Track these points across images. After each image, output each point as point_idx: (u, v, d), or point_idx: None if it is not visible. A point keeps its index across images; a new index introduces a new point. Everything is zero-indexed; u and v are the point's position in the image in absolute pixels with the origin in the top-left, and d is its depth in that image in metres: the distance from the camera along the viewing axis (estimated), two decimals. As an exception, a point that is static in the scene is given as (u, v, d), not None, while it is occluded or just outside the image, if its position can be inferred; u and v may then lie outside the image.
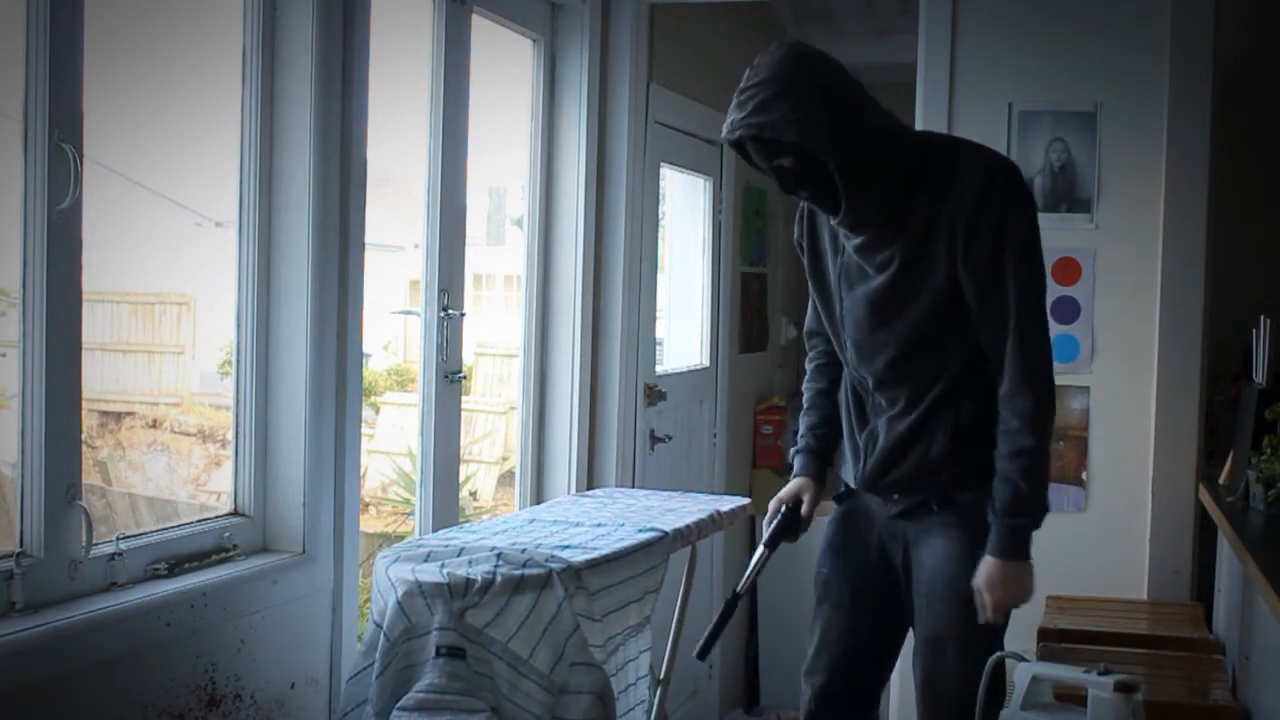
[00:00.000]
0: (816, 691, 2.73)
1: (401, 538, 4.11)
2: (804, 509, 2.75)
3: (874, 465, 2.61)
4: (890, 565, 2.67)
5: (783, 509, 2.74)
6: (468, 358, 4.86)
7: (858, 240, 2.53)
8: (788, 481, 2.84)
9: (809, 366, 2.85)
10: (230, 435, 2.88)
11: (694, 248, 5.15)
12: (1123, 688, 2.35)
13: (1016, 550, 2.47)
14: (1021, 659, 2.53)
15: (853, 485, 2.70)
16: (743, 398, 5.48)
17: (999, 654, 2.52)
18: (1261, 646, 3.10)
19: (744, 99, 2.37)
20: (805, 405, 2.84)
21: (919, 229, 2.46)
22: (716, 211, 5.14)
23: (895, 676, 3.98)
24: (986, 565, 2.47)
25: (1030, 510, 2.48)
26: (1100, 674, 2.39)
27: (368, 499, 5.72)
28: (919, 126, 4.07)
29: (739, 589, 2.76)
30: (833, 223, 2.55)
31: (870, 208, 2.45)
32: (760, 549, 2.75)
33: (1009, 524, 2.47)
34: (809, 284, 2.73)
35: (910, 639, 2.70)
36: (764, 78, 2.36)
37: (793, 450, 2.85)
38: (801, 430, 2.82)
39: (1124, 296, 3.95)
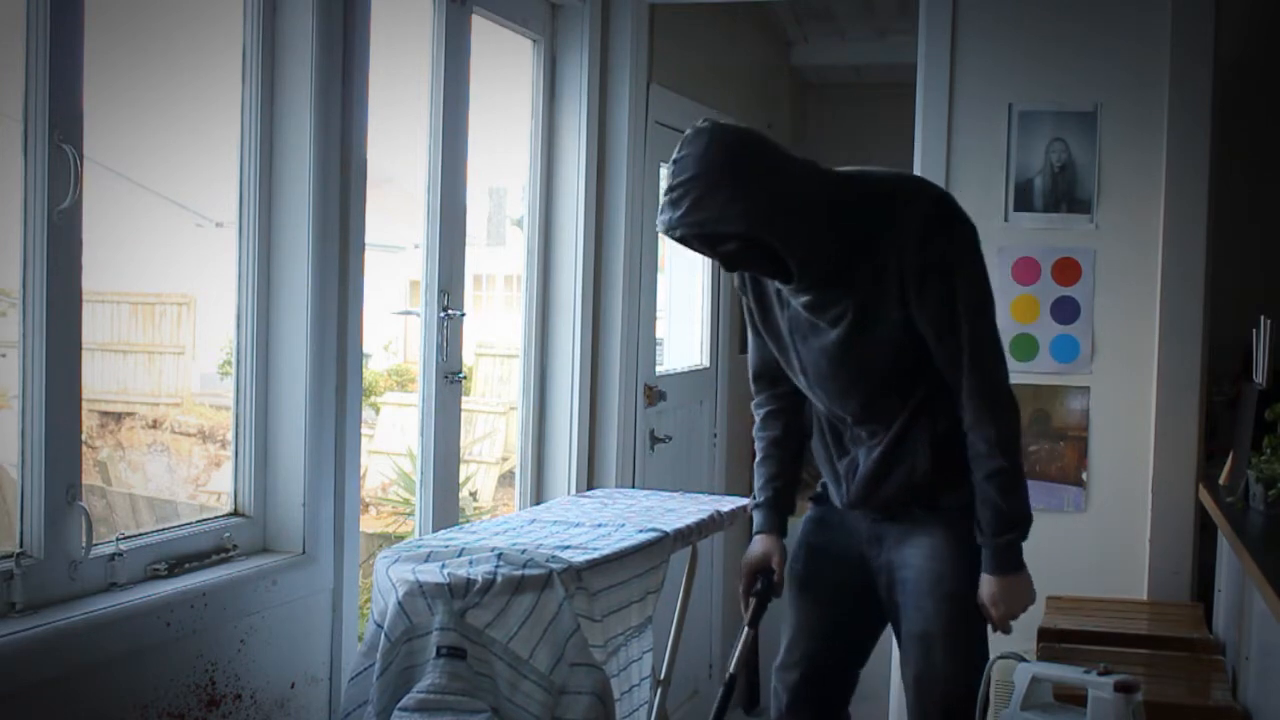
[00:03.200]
0: (791, 687, 2.76)
1: (401, 538, 4.11)
2: (776, 576, 2.78)
3: (858, 490, 2.64)
4: (868, 567, 2.70)
5: (759, 584, 2.78)
6: (468, 358, 4.86)
7: (805, 298, 2.54)
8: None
9: (759, 414, 2.84)
10: (230, 435, 2.88)
11: (694, 248, 5.15)
12: (1123, 688, 2.35)
13: (1010, 564, 2.54)
14: (1021, 659, 2.53)
15: (836, 504, 2.73)
16: (743, 398, 5.45)
17: (1002, 655, 2.53)
18: (1261, 646, 3.10)
19: (675, 197, 2.35)
20: (760, 455, 2.83)
21: (865, 281, 2.48)
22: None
23: (895, 677, 3.99)
24: (987, 583, 2.55)
25: (1015, 525, 2.54)
26: (1100, 674, 2.39)
27: (368, 499, 5.72)
28: (919, 126, 4.08)
29: (732, 670, 2.84)
30: (781, 286, 2.57)
31: (817, 270, 2.47)
32: (745, 630, 2.82)
33: (997, 543, 2.53)
34: (754, 330, 2.74)
35: (884, 642, 2.74)
36: (694, 173, 2.33)
37: (751, 504, 2.85)
38: (760, 483, 2.82)
39: (1124, 296, 3.95)
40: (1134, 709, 2.36)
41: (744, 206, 2.33)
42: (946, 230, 2.48)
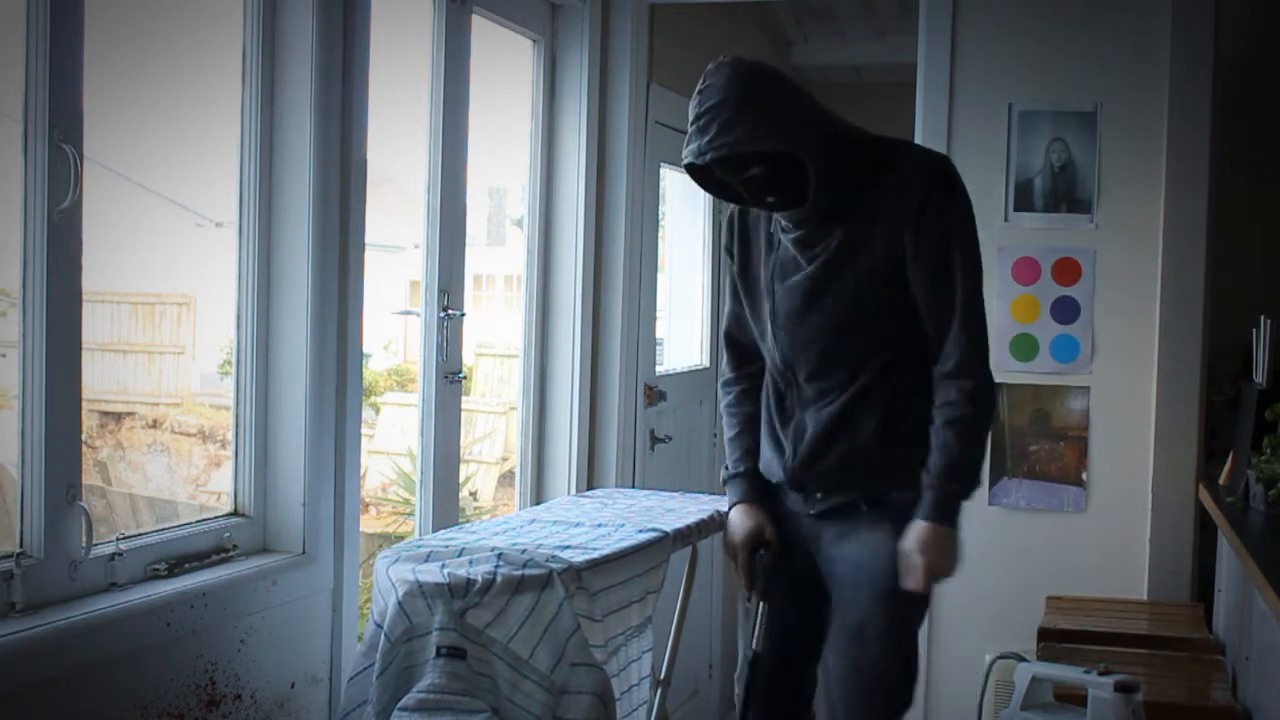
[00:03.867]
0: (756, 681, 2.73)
1: (401, 538, 4.11)
2: (775, 546, 2.73)
3: (802, 456, 2.62)
4: (813, 563, 2.69)
5: (760, 554, 2.72)
6: (468, 358, 4.86)
7: (798, 233, 2.57)
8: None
9: (731, 391, 2.83)
10: (230, 435, 2.88)
11: (694, 248, 5.16)
12: (1123, 688, 2.35)
13: (947, 516, 2.50)
14: (1021, 659, 2.53)
15: (774, 480, 2.71)
16: (743, 398, 5.47)
17: (1001, 654, 2.53)
18: (1261, 646, 3.10)
19: (704, 123, 2.41)
20: (735, 430, 2.80)
21: (859, 220, 2.52)
22: (717, 211, 5.14)
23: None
24: (918, 529, 2.49)
25: (963, 478, 2.53)
26: (1100, 674, 2.40)
27: (368, 499, 5.72)
28: (919, 126, 4.08)
29: (756, 648, 2.75)
30: (781, 219, 2.59)
31: (828, 196, 2.50)
32: (760, 606, 2.74)
33: (944, 488, 2.50)
34: (733, 288, 2.76)
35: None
36: (720, 98, 2.40)
37: (727, 473, 2.81)
38: (736, 455, 2.79)
39: (1124, 296, 3.95)
40: (1134, 709, 2.36)
41: (773, 124, 2.41)
42: (952, 188, 2.53)
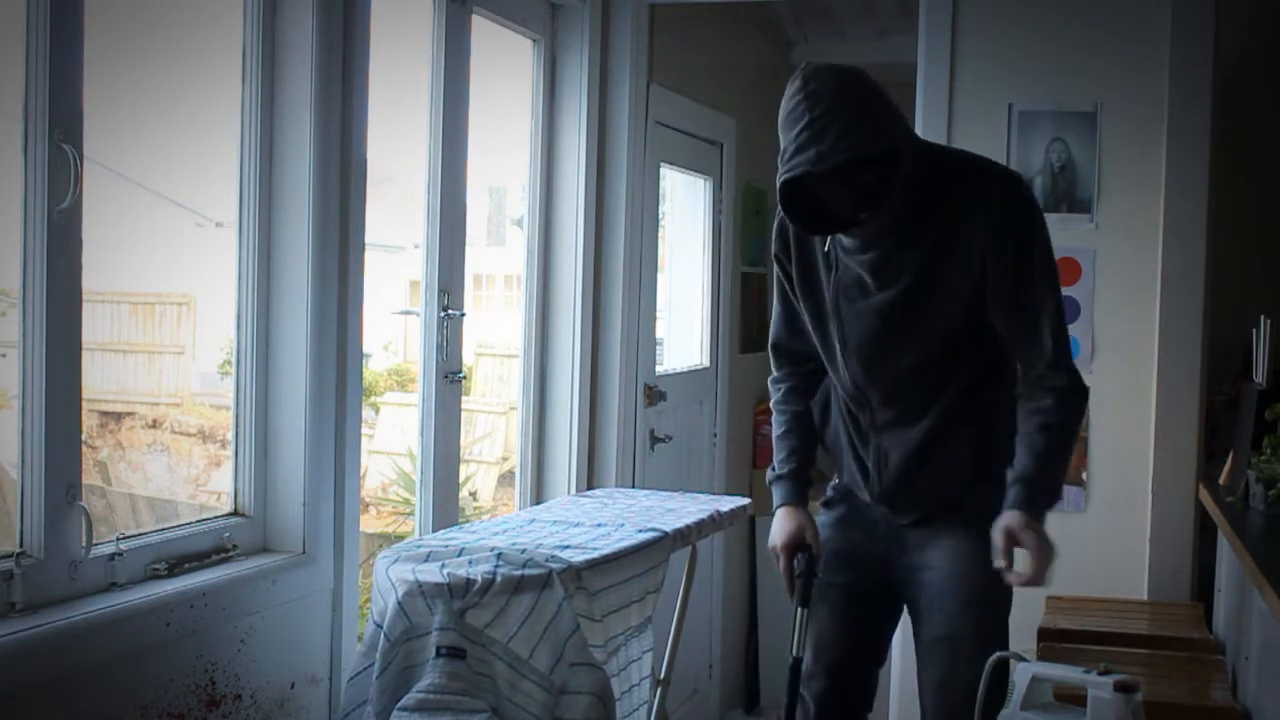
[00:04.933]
0: (817, 696, 2.72)
1: (401, 538, 4.11)
2: (815, 549, 2.68)
3: (888, 482, 2.60)
4: (889, 567, 2.66)
5: (799, 561, 2.67)
6: (468, 358, 4.86)
7: (867, 255, 2.49)
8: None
9: (781, 387, 2.78)
10: (230, 435, 2.88)
11: (694, 248, 5.15)
12: (1123, 688, 2.35)
13: (1038, 512, 2.44)
14: (1022, 659, 2.52)
15: (866, 499, 2.67)
16: (743, 398, 5.48)
17: (999, 654, 2.52)
18: (1261, 646, 3.10)
19: (820, 129, 2.30)
20: (783, 428, 2.76)
21: (933, 242, 2.45)
22: (716, 211, 5.14)
23: (895, 679, 3.99)
24: (1016, 518, 2.41)
25: (1054, 480, 2.48)
26: (1100, 674, 2.39)
27: (368, 499, 5.72)
28: (919, 127, 4.08)
29: (795, 653, 2.70)
30: (845, 240, 2.51)
31: (910, 213, 2.44)
32: (799, 611, 2.68)
33: (1037, 486, 2.44)
34: (790, 298, 2.68)
35: (900, 646, 2.70)
36: (832, 103, 2.31)
37: (772, 474, 2.77)
38: (783, 455, 2.75)
39: (1124, 296, 3.95)
40: (1134, 709, 2.35)
41: (891, 124, 2.36)
42: (1028, 206, 2.50)
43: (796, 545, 2.67)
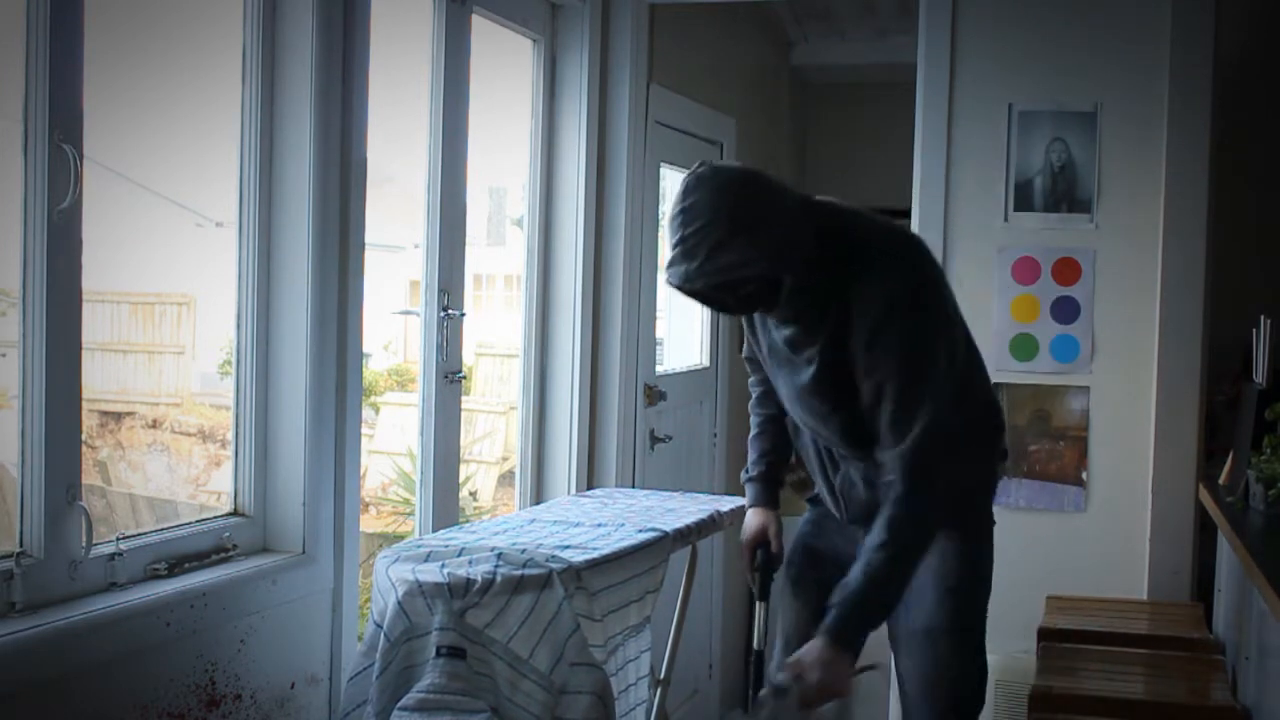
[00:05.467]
0: None
1: (401, 538, 4.11)
2: (774, 546, 2.83)
3: (856, 511, 2.65)
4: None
5: (758, 556, 2.84)
6: (468, 358, 4.86)
7: (786, 332, 2.52)
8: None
9: (755, 391, 2.90)
10: (230, 435, 2.88)
11: (694, 248, 5.14)
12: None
13: (844, 638, 2.35)
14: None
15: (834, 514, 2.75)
16: (743, 398, 5.44)
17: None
18: (1261, 646, 3.10)
19: (690, 246, 2.29)
20: (755, 430, 2.89)
21: (836, 325, 2.42)
22: (716, 211, 5.13)
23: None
24: (814, 651, 2.33)
25: (867, 608, 2.37)
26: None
27: (368, 499, 5.71)
28: (919, 126, 4.08)
29: (757, 646, 2.83)
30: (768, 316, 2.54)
31: (803, 307, 2.44)
32: (758, 605, 2.86)
33: (846, 610, 2.35)
34: (748, 324, 2.72)
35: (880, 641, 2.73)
36: (707, 220, 2.28)
37: (745, 475, 2.90)
38: (753, 457, 2.88)
39: (1124, 296, 3.95)
40: None
41: (763, 247, 2.30)
42: (910, 307, 2.38)
43: (758, 543, 2.84)
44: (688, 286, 2.34)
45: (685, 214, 2.30)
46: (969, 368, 2.59)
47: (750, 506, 2.88)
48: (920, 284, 2.43)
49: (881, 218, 2.55)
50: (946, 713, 2.63)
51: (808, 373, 2.50)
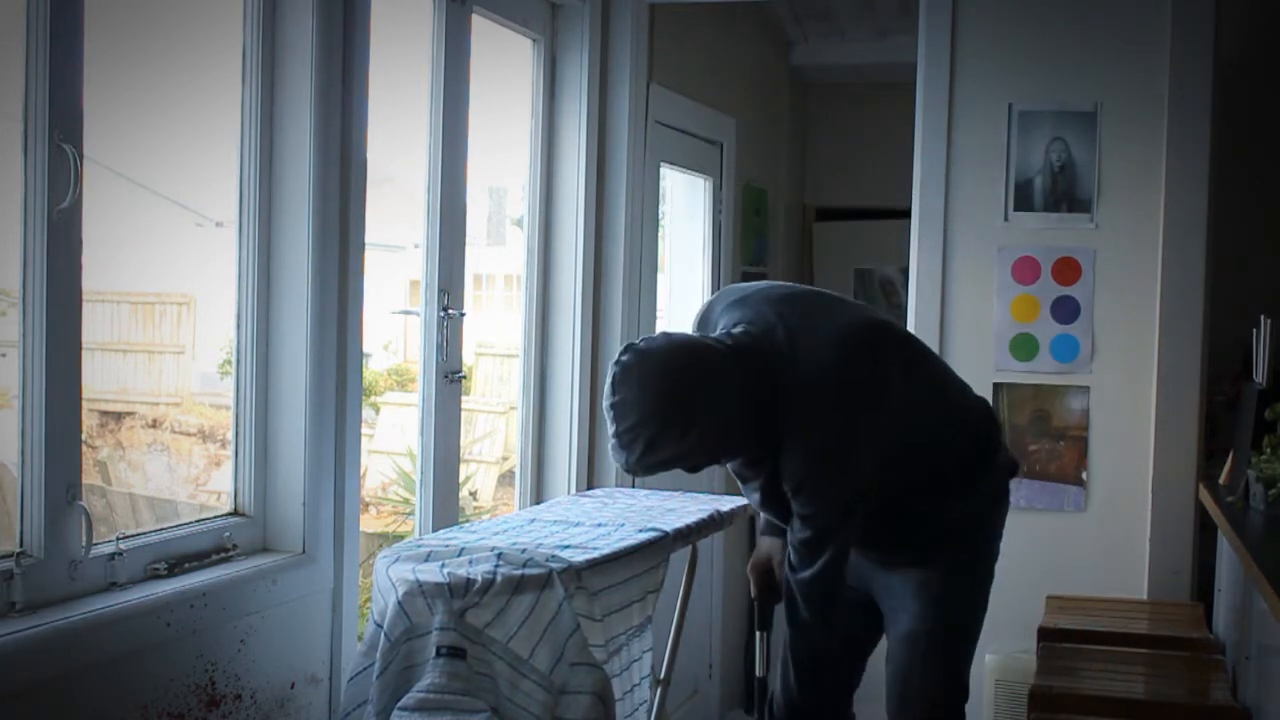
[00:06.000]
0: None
1: (401, 538, 4.11)
2: (777, 575, 2.84)
3: (861, 551, 2.70)
4: (870, 581, 2.76)
5: (756, 582, 2.91)
6: (468, 358, 4.86)
7: (733, 465, 2.65)
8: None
9: None
10: (230, 435, 2.88)
11: (694, 248, 5.15)
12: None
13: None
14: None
15: None
16: (743, 398, 5.47)
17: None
18: (1261, 646, 3.10)
19: (627, 441, 2.37)
20: None
21: (772, 466, 2.53)
22: (716, 211, 5.14)
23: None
24: None
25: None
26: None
27: (368, 499, 5.72)
28: (919, 126, 4.08)
29: (759, 673, 2.97)
30: None
31: (746, 460, 2.59)
32: (758, 634, 2.97)
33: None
34: None
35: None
36: (638, 417, 2.35)
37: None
38: None
39: (1124, 296, 3.95)
40: None
41: (697, 438, 2.39)
42: (825, 394, 2.45)
43: (760, 571, 2.90)
44: (633, 472, 2.45)
45: (615, 410, 2.38)
46: (929, 414, 2.61)
47: (760, 535, 2.95)
48: (840, 410, 2.46)
49: (838, 310, 2.60)
50: (924, 710, 2.67)
51: (757, 494, 2.64)
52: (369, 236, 3.03)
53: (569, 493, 4.01)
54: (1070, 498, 3.99)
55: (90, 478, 4.02)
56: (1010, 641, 3.75)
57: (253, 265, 2.82)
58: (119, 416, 4.83)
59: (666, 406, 2.35)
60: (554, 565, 2.52)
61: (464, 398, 3.67)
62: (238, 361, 2.84)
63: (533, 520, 3.07)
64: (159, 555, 2.56)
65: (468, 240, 3.62)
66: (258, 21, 2.79)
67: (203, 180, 4.04)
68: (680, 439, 2.37)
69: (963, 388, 2.75)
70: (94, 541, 2.38)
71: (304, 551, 2.84)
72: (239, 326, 2.84)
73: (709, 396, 2.40)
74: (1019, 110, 4.00)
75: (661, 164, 4.62)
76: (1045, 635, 3.53)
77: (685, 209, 5.18)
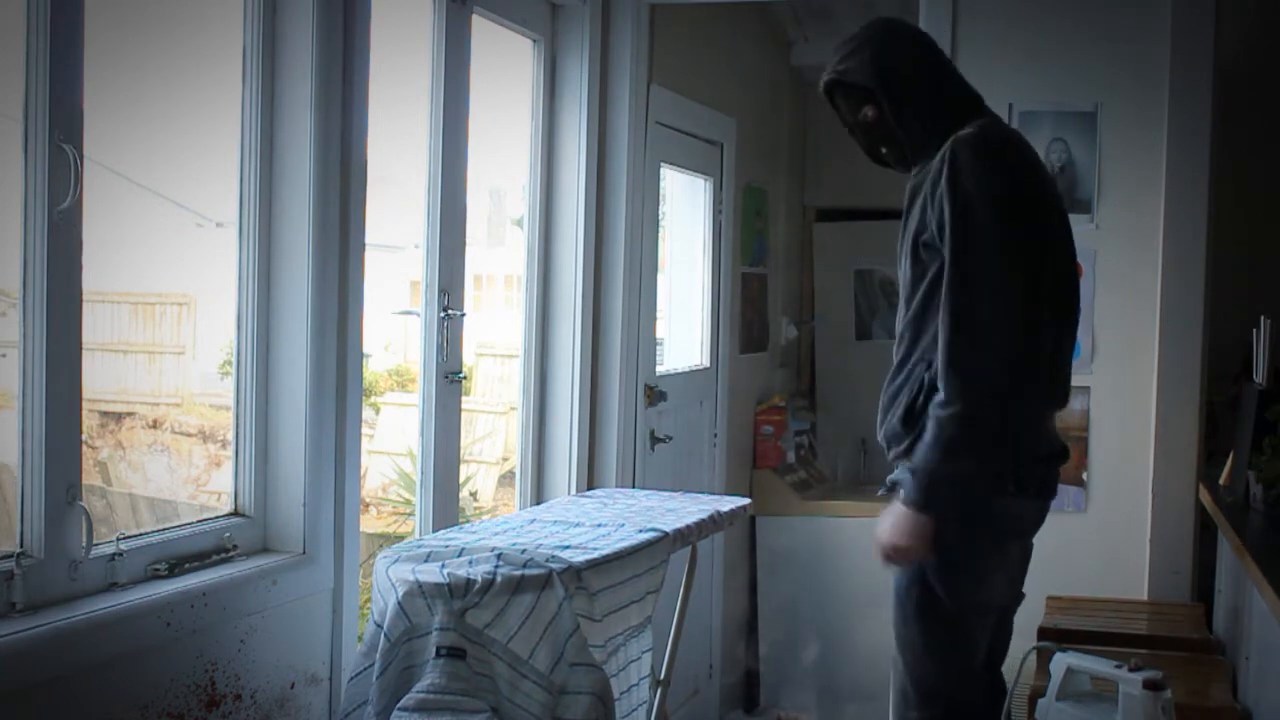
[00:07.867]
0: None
1: (401, 538, 4.11)
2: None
3: (883, 430, 2.70)
4: None
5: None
6: (468, 358, 4.86)
7: (908, 187, 2.69)
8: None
9: None
10: (230, 435, 2.88)
11: (694, 248, 5.15)
12: (1150, 685, 2.37)
13: (911, 496, 2.51)
14: (1059, 649, 2.55)
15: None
16: (743, 398, 5.48)
17: (1031, 648, 2.57)
18: (1261, 646, 3.10)
19: (835, 55, 2.70)
20: None
21: (923, 212, 2.58)
22: (716, 211, 5.14)
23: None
24: (890, 509, 2.55)
25: (922, 465, 2.49)
26: (1131, 670, 2.40)
27: (368, 499, 5.72)
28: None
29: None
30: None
31: (910, 154, 2.69)
32: None
33: (910, 472, 2.52)
34: None
35: (885, 642, 2.79)
36: (855, 35, 2.70)
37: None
38: None
39: (1124, 296, 3.95)
40: (1163, 705, 2.37)
41: (882, 66, 2.64)
42: (968, 169, 2.51)
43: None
44: (823, 80, 2.72)
45: (860, 31, 2.72)
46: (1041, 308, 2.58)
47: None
48: (981, 148, 2.56)
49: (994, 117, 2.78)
50: (910, 691, 2.67)
51: (902, 231, 2.67)
52: (369, 237, 3.03)
53: (569, 493, 4.01)
54: (1070, 498, 3.99)
55: (90, 478, 4.02)
56: (1010, 641, 3.74)
57: (253, 265, 2.82)
58: (119, 417, 4.83)
59: (879, 35, 2.70)
60: (554, 565, 2.53)
61: (464, 398, 3.67)
62: (238, 362, 2.84)
63: (533, 520, 3.07)
64: (159, 555, 2.57)
65: (468, 240, 3.62)
66: (258, 22, 2.79)
67: (203, 180, 4.04)
68: (870, 65, 2.63)
69: (1059, 383, 2.69)
70: (94, 542, 2.38)
71: (304, 552, 2.84)
72: (239, 327, 2.84)
73: (911, 63, 2.68)
74: (1019, 110, 4.00)
75: (662, 164, 4.62)
76: (1045, 635, 3.53)
77: (685, 209, 5.18)
